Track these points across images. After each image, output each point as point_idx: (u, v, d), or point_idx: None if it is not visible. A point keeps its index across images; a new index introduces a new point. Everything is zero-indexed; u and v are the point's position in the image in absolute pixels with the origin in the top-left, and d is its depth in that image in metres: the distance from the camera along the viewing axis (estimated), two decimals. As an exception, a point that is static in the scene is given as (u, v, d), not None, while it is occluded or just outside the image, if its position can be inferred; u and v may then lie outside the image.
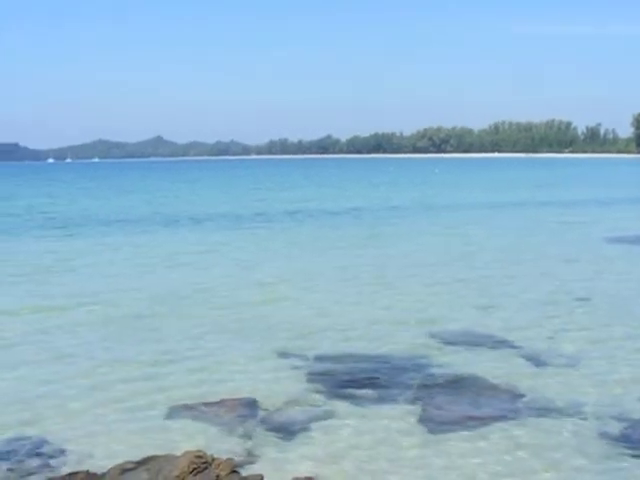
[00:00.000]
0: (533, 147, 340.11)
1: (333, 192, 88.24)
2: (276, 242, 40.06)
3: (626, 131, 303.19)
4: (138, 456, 9.99)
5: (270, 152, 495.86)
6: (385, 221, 50.44)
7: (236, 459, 10.08)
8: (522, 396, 14.07)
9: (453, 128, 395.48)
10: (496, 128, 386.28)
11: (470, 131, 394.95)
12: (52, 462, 11.44)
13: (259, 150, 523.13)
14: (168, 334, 19.02)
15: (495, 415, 13.04)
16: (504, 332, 18.74)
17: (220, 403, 13.68)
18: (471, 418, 12.90)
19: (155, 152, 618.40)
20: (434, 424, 12.71)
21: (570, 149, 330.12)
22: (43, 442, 12.23)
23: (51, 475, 10.47)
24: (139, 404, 13.93)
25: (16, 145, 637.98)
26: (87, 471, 9.67)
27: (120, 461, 9.81)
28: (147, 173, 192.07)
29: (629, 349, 17.14)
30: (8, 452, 11.85)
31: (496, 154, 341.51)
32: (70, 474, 9.71)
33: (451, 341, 17.98)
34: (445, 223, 49.42)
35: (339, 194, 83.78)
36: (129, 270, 30.07)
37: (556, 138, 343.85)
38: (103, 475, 9.41)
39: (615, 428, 12.40)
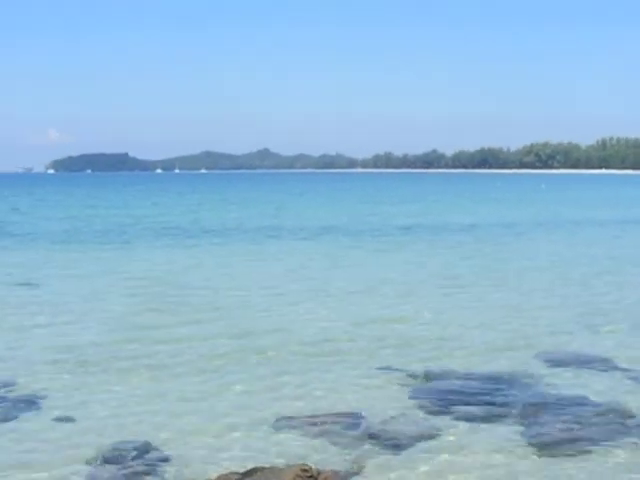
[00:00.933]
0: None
1: (443, 207, 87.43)
2: (396, 258, 39.79)
3: None
4: (243, 467, 10.01)
5: (375, 166, 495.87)
6: (500, 238, 49.61)
7: (341, 473, 10.05)
8: (631, 418, 13.73)
9: (560, 144, 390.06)
10: (604, 144, 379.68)
11: (577, 147, 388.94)
12: (158, 469, 11.59)
13: (364, 164, 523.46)
14: (274, 347, 19.14)
15: (602, 437, 12.74)
16: (615, 353, 18.33)
17: (325, 416, 13.66)
18: (578, 438, 12.66)
19: (261, 164, 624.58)
20: (541, 444, 12.48)
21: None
22: (150, 449, 12.41)
23: (156, 482, 10.57)
24: (244, 416, 14.00)
25: (126, 155, 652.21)
26: (193, 480, 9.73)
27: (224, 472, 9.84)
28: (257, 185, 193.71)
29: None
30: (116, 456, 12.04)
31: (603, 170, 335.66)
32: (176, 483, 9.78)
33: (560, 361, 17.64)
34: (563, 240, 48.62)
35: (450, 209, 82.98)
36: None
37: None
38: (209, 485, 9.46)
39: None
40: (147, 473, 11.41)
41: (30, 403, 14.85)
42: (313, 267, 34.97)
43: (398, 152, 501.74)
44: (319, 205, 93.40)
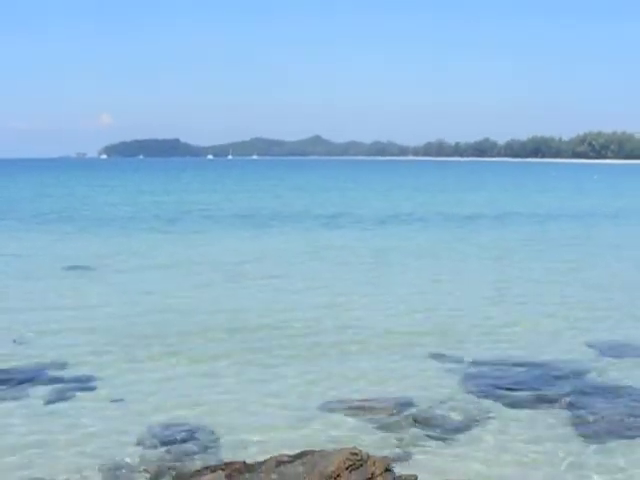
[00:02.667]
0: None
1: (506, 197, 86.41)
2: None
3: None
4: (292, 450, 10.06)
5: (426, 154, 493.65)
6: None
7: (390, 457, 10.06)
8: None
9: (613, 133, 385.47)
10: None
11: (631, 137, 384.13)
12: (208, 450, 11.71)
13: (416, 151, 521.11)
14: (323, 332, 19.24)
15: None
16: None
17: (375, 401, 13.73)
18: (629, 427, 12.60)
19: (313, 151, 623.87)
20: (590, 432, 12.46)
21: None
22: (200, 429, 12.55)
23: (207, 463, 10.64)
24: (294, 399, 14.15)
25: (177, 141, 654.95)
26: (243, 462, 9.78)
27: (275, 454, 9.89)
28: (312, 172, 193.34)
29: None
30: (166, 436, 12.20)
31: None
32: (227, 463, 9.84)
33: (609, 350, 17.53)
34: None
35: (512, 200, 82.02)
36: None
37: None
38: (259, 466, 9.50)
39: None
40: (197, 454, 11.52)
41: (82, 383, 15.10)
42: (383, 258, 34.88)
43: (450, 140, 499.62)
44: (391, 193, 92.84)
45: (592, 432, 12.42)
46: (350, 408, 13.45)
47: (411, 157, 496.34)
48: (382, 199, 78.38)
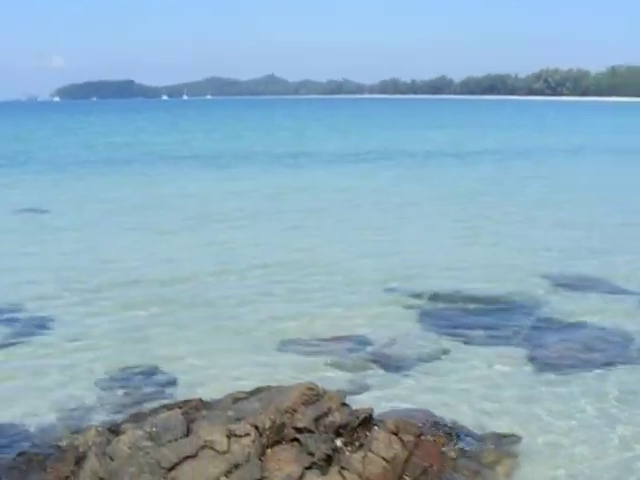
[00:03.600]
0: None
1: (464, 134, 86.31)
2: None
3: None
4: (250, 387, 10.12)
5: (382, 91, 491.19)
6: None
7: (346, 391, 10.17)
8: (634, 341, 13.89)
9: (569, 70, 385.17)
10: (613, 71, 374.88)
11: (587, 73, 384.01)
12: (166, 390, 11.83)
13: (371, 89, 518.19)
14: (285, 272, 19.27)
15: (606, 360, 12.92)
16: (618, 275, 18.54)
17: (331, 339, 13.85)
18: (581, 361, 12.81)
19: (267, 90, 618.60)
20: (544, 365, 12.67)
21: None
22: (157, 371, 12.63)
23: (165, 402, 10.68)
24: (251, 338, 14.24)
25: (131, 82, 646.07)
26: (200, 399, 9.84)
27: (232, 391, 9.94)
28: (268, 111, 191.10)
29: None
30: (124, 379, 12.24)
31: (613, 98, 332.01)
32: (184, 401, 9.90)
33: (565, 285, 17.79)
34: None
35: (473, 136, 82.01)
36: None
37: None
38: (216, 403, 9.57)
39: None
40: (155, 394, 11.59)
41: (38, 327, 15.09)
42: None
43: (406, 78, 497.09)
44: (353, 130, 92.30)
45: (544, 366, 12.62)
46: (308, 345, 13.58)
47: (367, 95, 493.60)
48: (343, 138, 77.88)
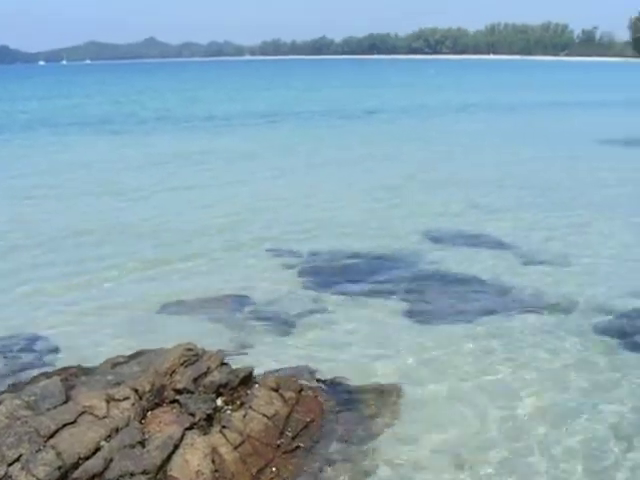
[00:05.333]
0: (528, 49, 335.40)
1: (347, 93, 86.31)
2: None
3: (623, 35, 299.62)
4: (131, 351, 10.04)
5: (263, 53, 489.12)
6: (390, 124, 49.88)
7: (227, 352, 10.16)
8: (510, 292, 14.22)
9: (448, 29, 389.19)
10: (492, 29, 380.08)
11: (465, 32, 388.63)
12: (46, 358, 11.59)
13: (252, 51, 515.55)
14: (162, 235, 19.08)
15: (484, 309, 13.24)
16: (495, 228, 18.97)
17: (212, 299, 13.80)
18: (461, 311, 13.08)
19: (147, 53, 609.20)
20: (424, 316, 12.89)
21: (566, 52, 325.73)
22: (37, 339, 12.36)
23: (44, 370, 10.52)
24: (131, 301, 14.04)
25: (6, 48, 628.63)
26: (79, 365, 9.73)
27: (112, 356, 9.85)
28: (151, 75, 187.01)
29: (618, 248, 17.26)
30: (3, 348, 11.93)
31: (492, 56, 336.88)
32: (63, 368, 9.76)
33: (444, 239, 18.15)
34: (437, 128, 49.16)
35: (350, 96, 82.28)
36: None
37: (552, 41, 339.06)
38: (95, 369, 9.47)
39: (601, 321, 12.57)
40: (34, 363, 11.37)
41: None
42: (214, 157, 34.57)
43: (287, 39, 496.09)
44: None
45: (425, 317, 12.85)
46: (189, 307, 13.49)
47: (248, 57, 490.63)
48: (232, 99, 77.01)
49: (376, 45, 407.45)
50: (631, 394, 9.89)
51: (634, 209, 21.32)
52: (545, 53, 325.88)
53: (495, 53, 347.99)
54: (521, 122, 50.01)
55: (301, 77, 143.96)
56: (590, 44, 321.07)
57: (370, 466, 8.11)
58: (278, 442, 8.15)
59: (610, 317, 12.75)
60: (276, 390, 8.71)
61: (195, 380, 8.48)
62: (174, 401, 8.31)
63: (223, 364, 8.99)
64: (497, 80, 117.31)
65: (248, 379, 8.91)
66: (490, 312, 13.05)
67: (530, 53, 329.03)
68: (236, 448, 7.83)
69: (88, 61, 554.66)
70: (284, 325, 12.53)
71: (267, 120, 52.27)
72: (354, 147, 37.39)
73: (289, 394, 8.74)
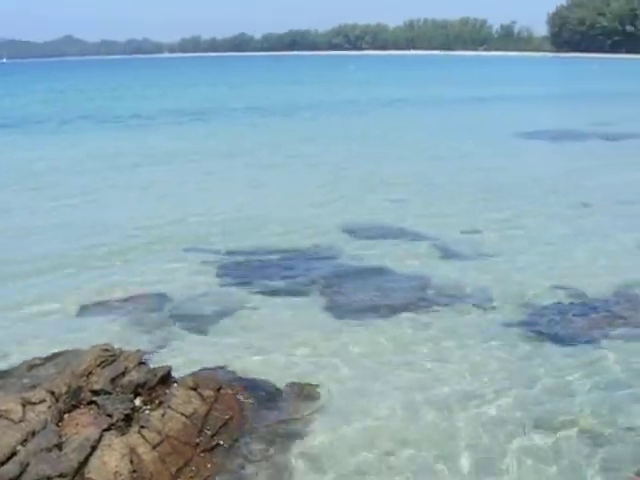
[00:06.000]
0: (448, 44, 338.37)
1: (268, 90, 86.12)
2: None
3: (541, 29, 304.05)
4: (48, 353, 9.91)
5: (182, 50, 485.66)
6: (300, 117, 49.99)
7: (145, 351, 10.09)
8: (430, 285, 14.36)
9: (368, 25, 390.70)
10: (411, 25, 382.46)
11: (385, 28, 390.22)
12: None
13: (171, 48, 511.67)
14: (80, 234, 18.85)
15: (403, 302, 13.32)
16: (416, 224, 19.08)
17: (130, 298, 13.69)
18: (379, 306, 13.15)
19: (66, 51, 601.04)
20: (343, 311, 12.94)
21: (485, 47, 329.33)
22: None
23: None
24: (48, 301, 13.85)
25: None
26: (-6, 369, 9.60)
27: (28, 359, 9.72)
28: (69, 73, 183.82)
29: (538, 241, 17.53)
30: None
31: (412, 51, 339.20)
32: (-22, 372, 9.61)
33: (364, 234, 18.23)
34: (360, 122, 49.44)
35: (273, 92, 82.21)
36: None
37: (470, 36, 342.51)
38: (11, 371, 9.34)
39: (520, 314, 12.74)
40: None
41: None
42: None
43: (206, 35, 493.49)
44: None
45: (343, 312, 12.90)
46: (107, 306, 13.37)
47: (167, 54, 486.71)
48: (156, 97, 76.04)
49: (296, 41, 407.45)
50: (542, 384, 10.11)
51: (555, 203, 21.64)
52: (464, 48, 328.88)
53: (415, 48, 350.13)
54: (445, 117, 50.50)
55: (222, 74, 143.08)
56: (509, 39, 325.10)
57: (289, 462, 8.15)
58: (197, 440, 8.14)
59: (528, 309, 12.97)
60: (195, 389, 8.68)
61: (112, 380, 8.42)
62: (91, 402, 8.23)
63: (141, 364, 8.93)
64: (419, 75, 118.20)
65: (166, 378, 8.87)
66: (408, 306, 13.15)
67: (450, 48, 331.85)
68: (155, 448, 7.79)
69: (4, 60, 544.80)
70: (203, 324, 12.47)
71: (192, 118, 51.71)
72: (276, 145, 37.28)
73: (207, 392, 8.72)
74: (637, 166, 28.24)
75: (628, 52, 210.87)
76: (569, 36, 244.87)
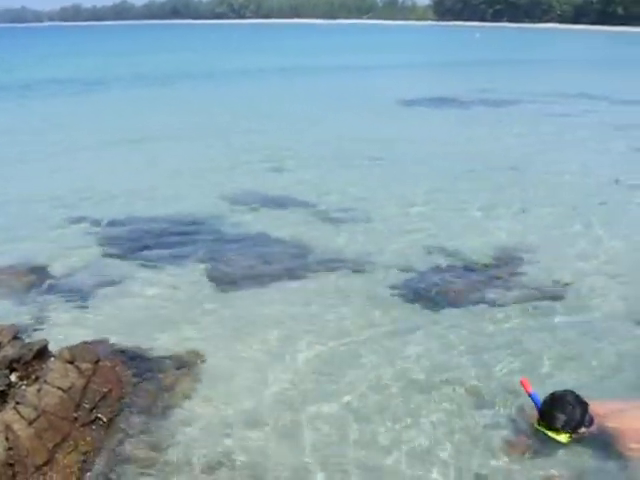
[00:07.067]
0: (332, 13, 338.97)
1: (153, 59, 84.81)
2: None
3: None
4: None
5: (63, 19, 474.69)
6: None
7: (21, 326, 9.86)
8: (312, 251, 14.39)
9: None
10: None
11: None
12: None
13: (51, 17, 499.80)
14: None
15: (285, 269, 13.35)
16: (294, 191, 19.13)
17: (5, 272, 13.32)
18: (261, 273, 13.13)
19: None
20: (225, 280, 12.84)
21: (369, 15, 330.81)
22: None
23: None
24: None
25: None
26: None
27: None
28: None
29: (419, 207, 17.69)
30: None
31: (296, 20, 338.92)
32: None
33: (242, 201, 18.19)
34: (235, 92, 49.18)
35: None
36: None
37: (355, 4, 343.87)
38: None
39: (400, 278, 12.87)
40: None
41: None
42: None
43: (87, 4, 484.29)
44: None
45: (224, 281, 12.83)
46: (-19, 281, 13.02)
47: (47, 23, 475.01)
48: (41, 66, 73.98)
49: (178, 9, 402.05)
50: (418, 345, 10.29)
51: (437, 169, 21.91)
52: (349, 17, 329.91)
53: (299, 17, 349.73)
54: (335, 85, 50.55)
55: (104, 43, 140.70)
56: (393, 7, 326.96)
57: (169, 435, 8.06)
58: (75, 415, 7.97)
59: (409, 273, 13.09)
60: (72, 362, 8.49)
61: (-15, 356, 8.19)
62: (-36, 379, 8.00)
63: (16, 338, 8.70)
64: (302, 45, 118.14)
65: (43, 353, 8.65)
66: (289, 272, 13.17)
67: (334, 17, 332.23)
68: (31, 424, 7.59)
69: None
70: (82, 296, 12.22)
71: (80, 89, 50.58)
72: (157, 116, 36.80)
73: (85, 365, 8.54)
74: (516, 132, 28.74)
75: (510, 21, 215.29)
76: (451, 4, 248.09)
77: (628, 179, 19.49)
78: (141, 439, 7.93)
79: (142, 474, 7.42)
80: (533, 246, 14.47)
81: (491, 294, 12.05)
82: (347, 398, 8.89)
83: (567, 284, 12.46)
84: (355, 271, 13.27)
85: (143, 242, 15.13)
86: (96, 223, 16.52)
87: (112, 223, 16.52)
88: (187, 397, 8.82)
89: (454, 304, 11.70)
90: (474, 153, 24.24)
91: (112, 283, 12.86)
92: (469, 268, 13.29)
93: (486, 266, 13.37)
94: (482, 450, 7.78)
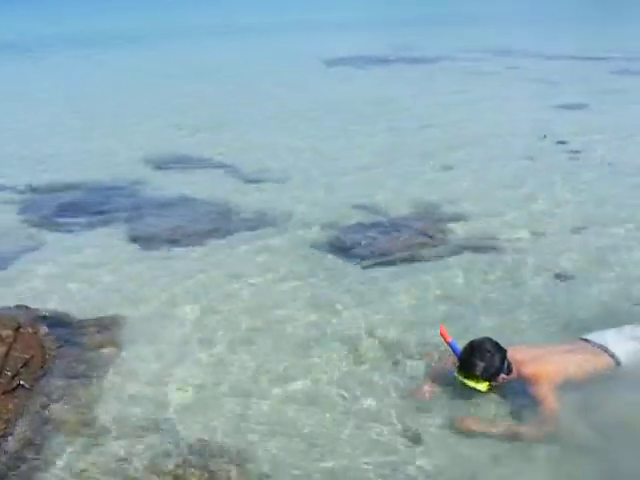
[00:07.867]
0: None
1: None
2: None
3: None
4: None
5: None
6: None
7: (-61, 296, 9.72)
8: (236, 211, 14.41)
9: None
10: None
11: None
12: None
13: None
14: None
15: (206, 230, 13.32)
16: (217, 153, 19.09)
17: None
18: (183, 235, 13.06)
19: None
20: (147, 243, 12.77)
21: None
22: None
23: None
24: None
25: None
26: None
27: None
28: None
29: (346, 165, 17.70)
30: None
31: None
32: None
33: (163, 163, 18.09)
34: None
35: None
36: None
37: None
38: None
39: (326, 236, 12.89)
40: None
41: None
42: None
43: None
44: None
45: (147, 242, 12.76)
46: None
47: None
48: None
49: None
50: (343, 304, 10.27)
51: (362, 127, 21.92)
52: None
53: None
54: (248, 45, 49.94)
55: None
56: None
57: (95, 398, 7.97)
58: (-3, 382, 7.87)
59: (334, 230, 13.10)
60: (-8, 330, 8.39)
61: None
62: None
63: None
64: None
65: (-39, 322, 8.53)
66: (212, 232, 13.14)
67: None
68: (-50, 394, 7.50)
69: None
70: (1, 264, 12.03)
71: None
72: (50, 80, 36.35)
73: (6, 332, 8.44)
74: (439, 90, 28.80)
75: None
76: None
77: (556, 134, 19.56)
78: (66, 402, 7.84)
79: (68, 436, 7.33)
80: (460, 201, 14.53)
81: (419, 249, 12.10)
82: (266, 350, 8.99)
83: (494, 238, 12.55)
84: (279, 229, 13.31)
85: (64, 206, 14.95)
86: (14, 190, 16.24)
87: (32, 189, 16.25)
88: (111, 360, 8.74)
89: (381, 260, 11.74)
90: (395, 110, 24.27)
91: (31, 249, 12.69)
92: (396, 225, 13.23)
93: (411, 223, 13.37)
94: (397, 400, 7.83)
